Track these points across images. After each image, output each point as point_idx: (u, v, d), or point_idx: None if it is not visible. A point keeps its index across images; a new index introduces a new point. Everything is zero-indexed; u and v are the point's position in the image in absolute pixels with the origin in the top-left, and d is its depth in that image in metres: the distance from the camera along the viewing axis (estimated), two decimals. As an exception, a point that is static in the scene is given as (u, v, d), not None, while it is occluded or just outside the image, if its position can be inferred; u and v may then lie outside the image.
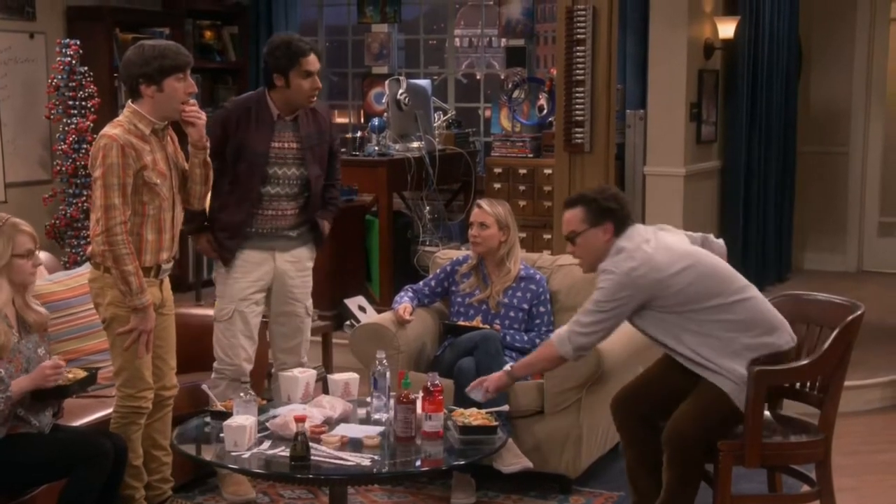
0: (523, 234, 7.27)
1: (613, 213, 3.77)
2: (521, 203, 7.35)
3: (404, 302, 4.70)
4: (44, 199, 6.97)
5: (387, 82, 7.21)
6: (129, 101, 3.82)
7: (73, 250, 6.85)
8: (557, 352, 3.81)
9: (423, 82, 7.63)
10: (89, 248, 3.86)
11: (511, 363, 4.18)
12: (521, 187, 7.39)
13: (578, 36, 5.96)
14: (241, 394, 3.64)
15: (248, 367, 4.39)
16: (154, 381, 3.94)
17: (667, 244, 3.75)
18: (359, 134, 7.18)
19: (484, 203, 4.75)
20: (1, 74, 6.85)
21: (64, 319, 4.45)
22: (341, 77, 9.25)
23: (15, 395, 3.39)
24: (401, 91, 7.09)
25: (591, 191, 3.94)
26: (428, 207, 7.43)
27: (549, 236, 7.03)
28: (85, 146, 6.83)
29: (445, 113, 7.90)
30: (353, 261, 6.95)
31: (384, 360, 3.89)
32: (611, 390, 4.50)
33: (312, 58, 4.29)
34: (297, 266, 4.48)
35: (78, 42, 6.89)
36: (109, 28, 7.46)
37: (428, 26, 9.70)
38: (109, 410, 3.95)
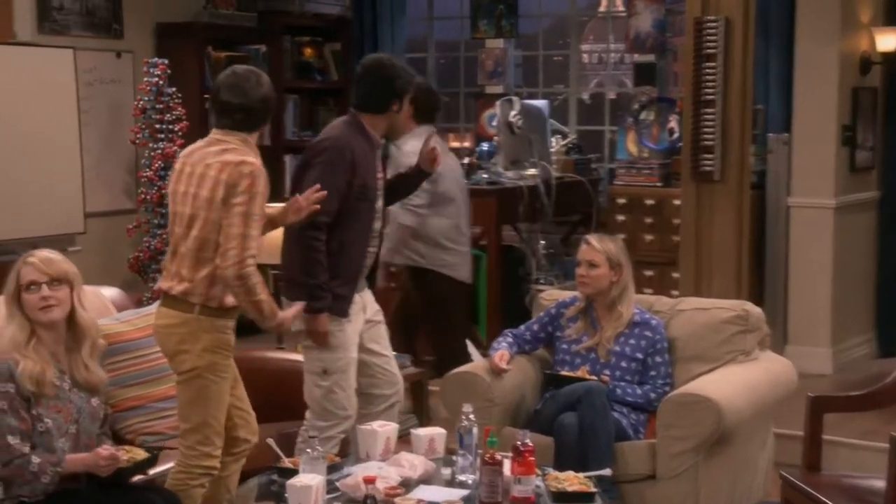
0: (650, 273, 7.16)
1: None
2: (648, 237, 7.23)
3: (502, 348, 4.64)
4: (128, 230, 7.11)
5: (498, 103, 7.17)
6: (246, 133, 3.85)
7: (157, 285, 6.97)
8: None
9: (540, 103, 7.56)
10: (170, 286, 3.85)
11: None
12: (648, 220, 7.26)
13: (708, 51, 5.84)
14: (308, 449, 3.60)
15: None
16: (233, 430, 3.96)
17: None
18: (466, 160, 7.15)
19: (593, 239, 4.66)
20: (85, 96, 7.02)
21: (130, 363, 4.47)
22: (452, 97, 9.25)
23: (65, 472, 3.43)
24: (513, 113, 7.04)
25: None
26: (543, 241, 7.35)
27: (677, 275, 6.87)
28: (171, 173, 6.95)
29: (565, 137, 7.82)
30: (458, 300, 6.88)
31: (471, 415, 3.83)
32: (734, 453, 4.37)
33: None
34: (372, 304, 4.62)
35: (166, 61, 7.04)
36: (201, 46, 7.63)
37: (553, 41, 9.66)
38: (167, 466, 3.94)
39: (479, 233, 7.04)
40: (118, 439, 4.20)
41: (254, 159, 3.80)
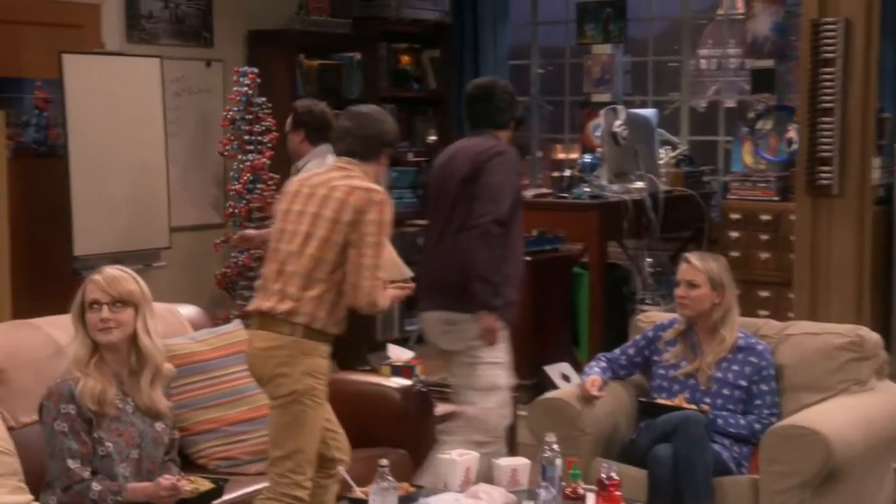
0: (765, 293, 7.04)
1: None
2: (763, 255, 7.12)
3: (594, 373, 4.56)
4: (214, 245, 7.15)
5: (602, 112, 7.10)
6: (358, 160, 4.01)
7: (245, 303, 7.01)
8: None
9: (647, 112, 7.47)
10: (271, 306, 3.88)
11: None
12: (763, 236, 7.15)
13: (826, 55, 5.67)
14: (379, 479, 3.56)
15: None
16: (327, 451, 4.00)
17: None
18: (567, 173, 7.09)
19: (693, 258, 4.56)
20: (172, 107, 7.11)
21: (204, 384, 4.46)
22: (557, 106, 9.19)
23: (126, 501, 3.44)
24: (618, 122, 6.95)
25: None
26: (650, 259, 7.24)
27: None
28: (260, 186, 7.00)
29: (675, 147, 7.70)
30: (556, 320, 6.85)
31: (554, 445, 3.73)
32: (846, 491, 4.21)
33: None
34: None
35: (256, 70, 7.10)
36: (293, 54, 7.68)
37: (667, 46, 9.53)
38: (234, 495, 3.93)
39: (581, 249, 6.98)
40: (191, 464, 4.21)
41: (380, 188, 3.97)
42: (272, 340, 3.86)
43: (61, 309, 4.09)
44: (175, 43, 7.39)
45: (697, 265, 4.51)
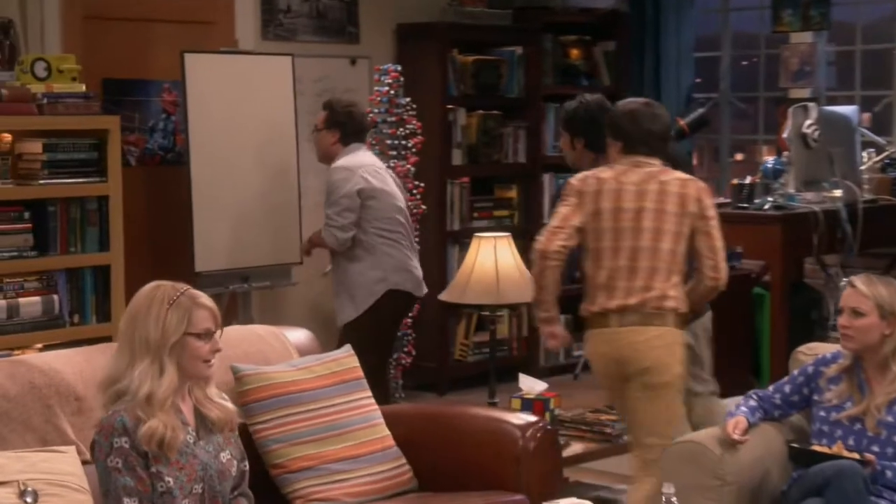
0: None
1: None
2: (983, 280, 6.73)
3: (739, 413, 4.35)
4: (354, 261, 7.15)
5: (790, 111, 6.87)
6: (652, 156, 4.64)
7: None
8: None
9: (846, 110, 7.20)
10: (640, 300, 4.52)
11: None
12: (983, 256, 6.77)
13: None
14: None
15: None
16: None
17: None
18: (748, 180, 6.86)
19: (859, 282, 4.34)
20: (314, 110, 7.11)
21: (304, 416, 4.41)
22: (749, 102, 8.94)
23: None
24: (808, 122, 6.71)
25: None
26: (845, 280, 6.93)
27: None
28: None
29: (880, 150, 7.37)
30: (734, 348, 6.71)
31: (673, 497, 3.56)
32: None
33: None
34: None
35: (398, 68, 7.09)
36: (445, 49, 7.65)
37: (883, 32, 9.13)
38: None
39: (763, 267, 6.79)
40: (286, 505, 4.19)
41: None
42: (650, 332, 4.55)
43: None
44: (316, 39, 7.45)
45: (863, 290, 4.29)
